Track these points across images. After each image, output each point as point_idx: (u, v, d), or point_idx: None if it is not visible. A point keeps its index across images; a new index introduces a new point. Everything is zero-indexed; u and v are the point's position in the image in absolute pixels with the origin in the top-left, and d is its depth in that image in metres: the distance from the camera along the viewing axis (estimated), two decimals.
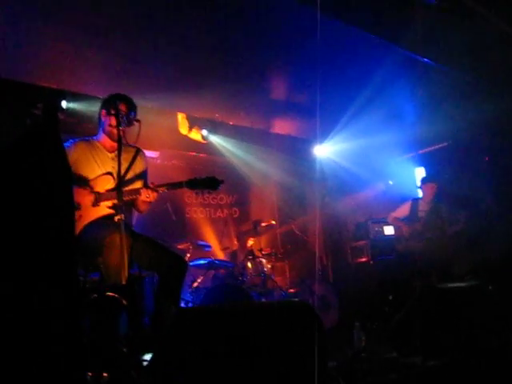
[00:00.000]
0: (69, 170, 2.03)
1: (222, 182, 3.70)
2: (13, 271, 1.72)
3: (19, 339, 1.65)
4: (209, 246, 6.89)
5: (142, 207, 3.79)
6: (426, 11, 4.96)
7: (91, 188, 3.59)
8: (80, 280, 3.24)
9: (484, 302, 3.88)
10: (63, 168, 1.91)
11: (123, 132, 3.48)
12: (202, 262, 6.36)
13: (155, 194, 3.61)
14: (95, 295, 2.94)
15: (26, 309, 1.67)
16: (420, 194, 7.22)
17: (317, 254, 7.83)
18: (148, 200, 3.59)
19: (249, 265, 6.63)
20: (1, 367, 1.62)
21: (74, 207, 2.45)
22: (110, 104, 3.66)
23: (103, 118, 3.75)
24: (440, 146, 8.21)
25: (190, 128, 7.37)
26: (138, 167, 3.84)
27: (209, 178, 3.67)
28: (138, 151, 3.90)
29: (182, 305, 5.59)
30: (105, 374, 2.54)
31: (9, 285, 1.69)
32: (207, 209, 8.37)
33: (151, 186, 3.62)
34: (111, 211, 3.52)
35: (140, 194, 3.53)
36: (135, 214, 3.87)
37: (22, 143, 1.84)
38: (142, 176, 3.87)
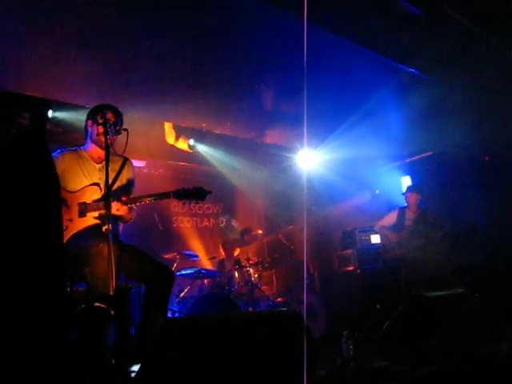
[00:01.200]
0: (56, 178, 2.02)
1: (209, 192, 3.69)
2: None
3: (7, 350, 1.63)
4: (196, 256, 6.88)
5: (126, 217, 3.72)
6: (412, 22, 5.03)
7: (78, 199, 3.57)
8: (67, 290, 3.21)
9: (471, 310, 3.91)
10: (51, 176, 1.90)
11: (111, 141, 3.47)
12: (189, 271, 6.34)
13: (125, 208, 3.58)
14: (83, 306, 2.92)
15: (14, 320, 1.65)
16: (405, 202, 7.28)
17: (304, 263, 7.82)
18: (118, 214, 3.54)
19: (236, 274, 6.61)
20: None
21: (61, 215, 2.42)
22: (96, 114, 3.64)
23: (89, 129, 3.73)
24: (425, 155, 8.28)
25: (177, 137, 7.34)
26: (124, 177, 3.82)
27: (196, 189, 3.66)
28: (126, 161, 3.88)
29: (169, 315, 5.56)
30: None
31: None
32: (194, 218, 8.36)
33: (123, 199, 3.58)
34: (98, 221, 3.49)
35: (111, 207, 3.38)
36: (121, 223, 3.83)
37: (9, 150, 1.82)
38: (129, 186, 3.84)
